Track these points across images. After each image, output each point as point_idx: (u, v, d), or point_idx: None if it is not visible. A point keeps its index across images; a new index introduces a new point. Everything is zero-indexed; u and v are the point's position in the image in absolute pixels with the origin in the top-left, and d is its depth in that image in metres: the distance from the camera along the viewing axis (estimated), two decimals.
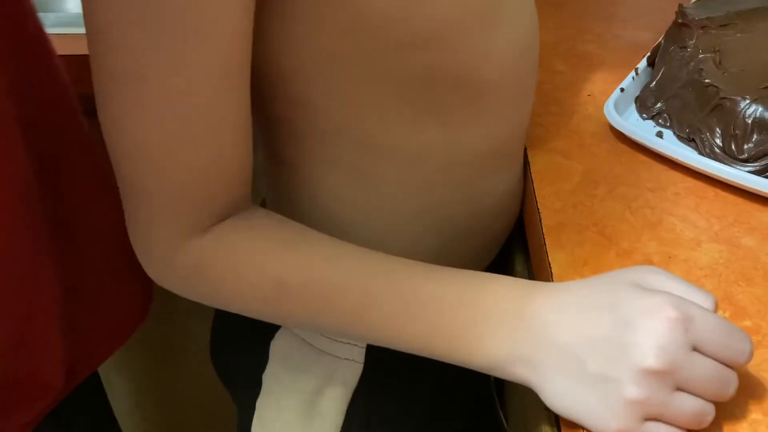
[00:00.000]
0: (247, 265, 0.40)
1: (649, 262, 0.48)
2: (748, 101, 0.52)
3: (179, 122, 0.37)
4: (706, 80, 0.55)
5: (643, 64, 0.62)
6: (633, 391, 0.33)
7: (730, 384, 0.34)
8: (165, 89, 0.36)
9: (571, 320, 0.36)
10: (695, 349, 0.34)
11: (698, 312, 0.34)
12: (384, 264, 0.40)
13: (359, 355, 0.51)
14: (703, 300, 0.35)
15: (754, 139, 0.51)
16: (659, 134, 0.58)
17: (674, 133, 0.58)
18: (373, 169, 0.46)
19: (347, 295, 0.39)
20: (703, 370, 0.33)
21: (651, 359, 0.33)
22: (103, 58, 0.36)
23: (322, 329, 0.41)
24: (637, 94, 0.61)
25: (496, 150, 0.50)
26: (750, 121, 0.51)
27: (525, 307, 0.37)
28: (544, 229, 0.51)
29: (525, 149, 0.58)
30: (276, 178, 0.51)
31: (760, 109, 0.51)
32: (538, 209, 0.52)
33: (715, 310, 0.36)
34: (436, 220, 0.50)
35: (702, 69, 0.56)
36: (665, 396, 0.33)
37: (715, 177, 0.53)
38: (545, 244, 0.50)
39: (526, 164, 0.57)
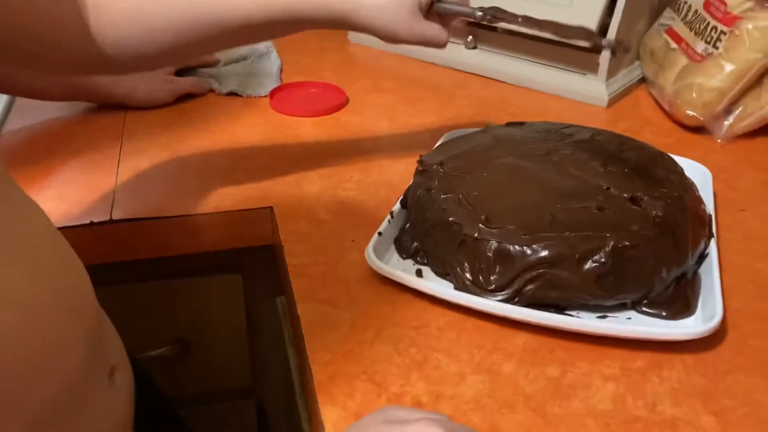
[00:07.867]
0: None
1: (419, 403, 0.48)
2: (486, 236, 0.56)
3: None
4: (450, 218, 0.59)
5: (397, 206, 0.66)
6: None
7: None
8: None
9: None
10: None
11: (456, 425, 0.34)
12: None
13: None
14: None
15: (497, 270, 0.55)
16: (419, 272, 0.60)
17: (432, 270, 0.61)
18: None
19: None
20: None
21: None
22: None
23: None
24: (396, 235, 0.64)
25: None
26: (491, 254, 0.56)
27: None
28: (315, 385, 0.50)
29: (295, 304, 0.58)
30: None
31: (496, 243, 0.55)
32: (309, 366, 0.52)
33: None
34: None
35: (445, 209, 0.60)
36: None
37: (471, 308, 0.56)
38: (317, 402, 0.48)
39: (295, 316, 0.57)
